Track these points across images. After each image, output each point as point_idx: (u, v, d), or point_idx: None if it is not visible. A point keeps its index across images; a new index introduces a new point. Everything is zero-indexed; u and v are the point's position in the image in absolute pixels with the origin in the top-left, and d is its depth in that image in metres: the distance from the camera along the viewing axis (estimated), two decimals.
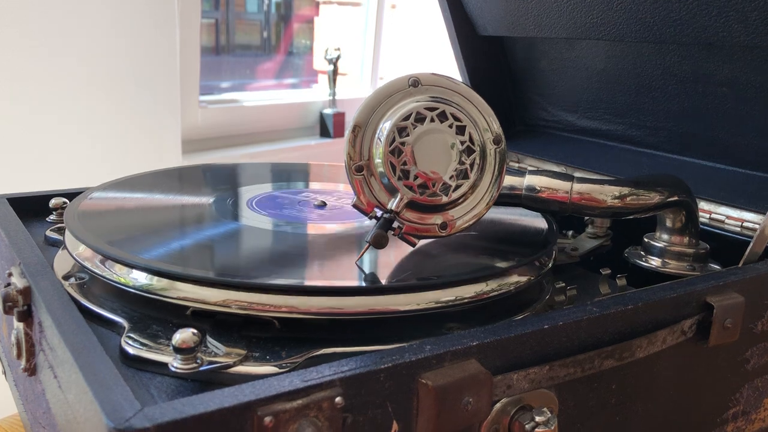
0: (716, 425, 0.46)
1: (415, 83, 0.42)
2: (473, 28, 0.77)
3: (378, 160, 0.41)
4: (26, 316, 0.39)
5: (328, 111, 1.55)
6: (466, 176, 0.42)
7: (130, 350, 0.35)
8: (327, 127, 1.55)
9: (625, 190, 0.48)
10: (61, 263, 0.45)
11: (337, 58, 1.56)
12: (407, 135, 0.41)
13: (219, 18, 1.58)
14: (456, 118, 0.41)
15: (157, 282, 0.38)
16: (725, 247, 0.55)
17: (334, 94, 1.56)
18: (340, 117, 1.54)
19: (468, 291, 0.40)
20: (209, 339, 0.35)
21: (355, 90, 1.71)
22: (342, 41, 1.62)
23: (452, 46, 0.78)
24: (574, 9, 0.64)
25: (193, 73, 1.27)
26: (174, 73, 1.17)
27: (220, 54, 1.58)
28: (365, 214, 0.42)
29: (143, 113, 1.14)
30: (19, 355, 0.40)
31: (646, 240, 0.53)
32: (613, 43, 0.66)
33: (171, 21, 1.14)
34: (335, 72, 1.56)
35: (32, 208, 0.56)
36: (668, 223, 0.52)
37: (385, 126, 0.41)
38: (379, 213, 0.41)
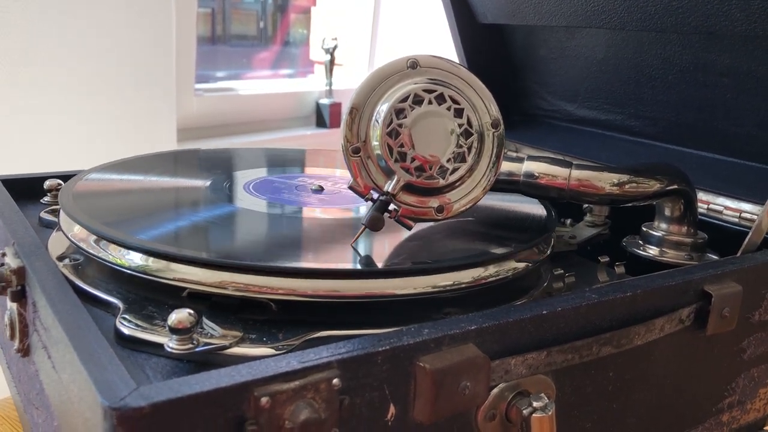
0: (712, 414, 0.46)
1: (413, 65, 0.42)
2: (473, 16, 0.76)
3: (375, 143, 0.40)
4: (20, 297, 0.38)
5: (324, 101, 1.54)
6: (463, 159, 0.41)
7: (125, 331, 0.34)
8: (323, 117, 1.54)
9: (624, 177, 0.48)
10: (56, 244, 0.45)
11: (334, 48, 1.55)
12: (405, 117, 0.40)
13: (215, 7, 1.57)
14: (454, 101, 0.41)
15: (153, 263, 0.37)
16: (723, 237, 0.54)
17: (330, 84, 1.55)
18: (336, 107, 1.53)
19: (466, 276, 0.39)
20: (205, 320, 0.35)
21: (352, 80, 1.70)
22: (339, 31, 1.61)
23: (451, 34, 0.78)
24: None
25: (189, 61, 1.26)
26: (170, 61, 1.16)
27: (216, 44, 1.57)
28: (361, 196, 0.41)
29: (139, 100, 1.14)
30: (12, 336, 0.40)
31: (644, 229, 0.53)
32: (613, 32, 0.65)
33: (167, 10, 1.13)
34: (332, 62, 1.55)
35: (27, 190, 0.55)
36: (667, 212, 0.51)
37: (383, 108, 0.40)
38: (375, 195, 0.41)
